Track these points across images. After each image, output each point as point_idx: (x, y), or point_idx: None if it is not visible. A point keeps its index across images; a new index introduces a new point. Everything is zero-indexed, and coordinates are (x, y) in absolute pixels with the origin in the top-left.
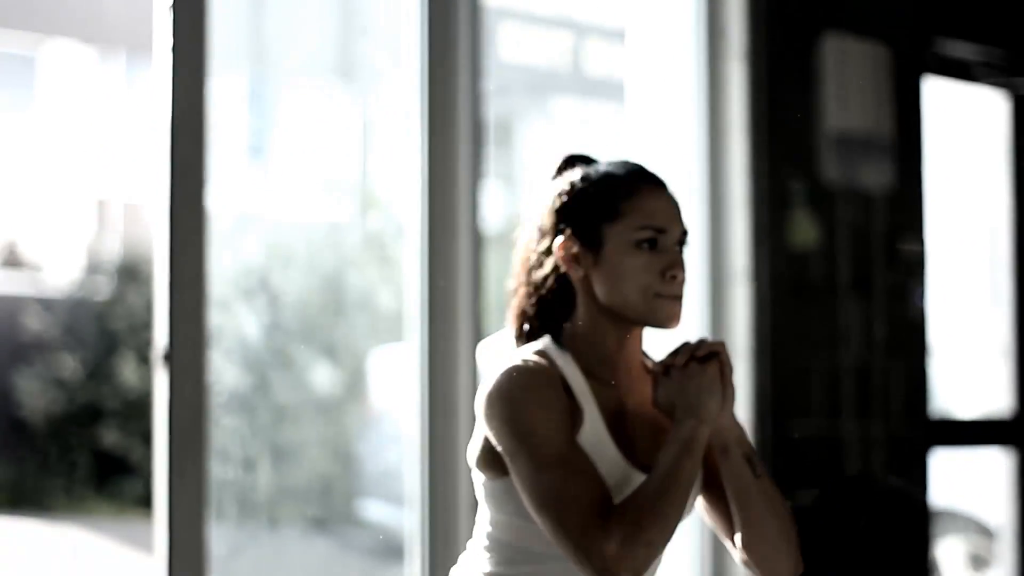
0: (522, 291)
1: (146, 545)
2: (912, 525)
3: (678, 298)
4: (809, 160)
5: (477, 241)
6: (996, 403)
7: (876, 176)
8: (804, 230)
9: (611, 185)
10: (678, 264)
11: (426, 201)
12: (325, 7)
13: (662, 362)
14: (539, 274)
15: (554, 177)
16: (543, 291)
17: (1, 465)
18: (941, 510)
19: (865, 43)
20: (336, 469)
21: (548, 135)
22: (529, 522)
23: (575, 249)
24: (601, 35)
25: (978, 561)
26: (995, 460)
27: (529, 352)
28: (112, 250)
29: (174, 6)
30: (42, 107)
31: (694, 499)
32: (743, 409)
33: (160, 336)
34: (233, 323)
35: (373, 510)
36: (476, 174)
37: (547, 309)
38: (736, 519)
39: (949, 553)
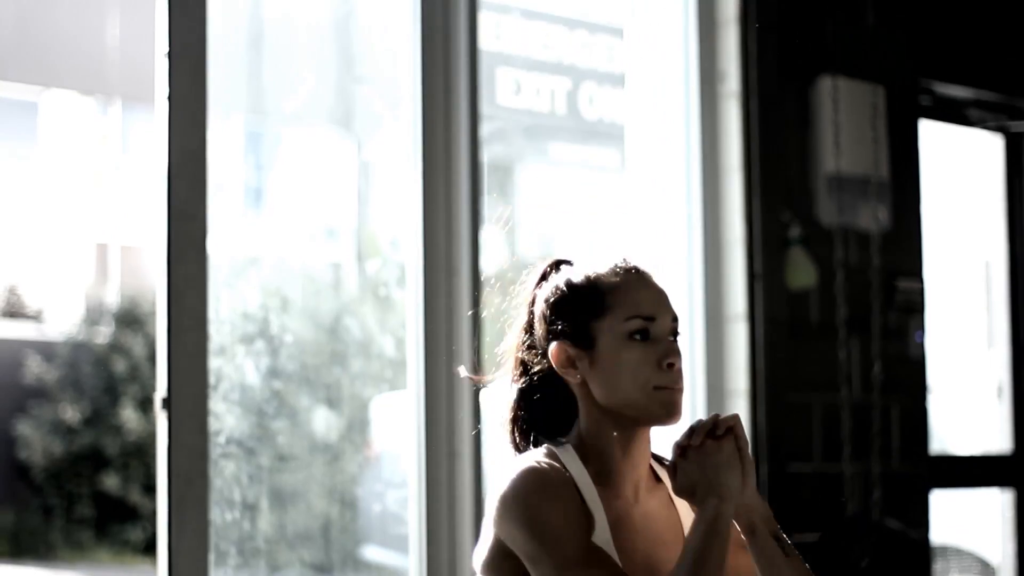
0: (516, 396)
1: None
2: (913, 563)
3: (678, 390)
4: (806, 201)
5: (477, 285)
6: (993, 442)
7: (873, 216)
8: (802, 271)
9: (595, 280)
10: (674, 352)
11: (424, 246)
12: (323, 53)
13: (677, 444)
14: (534, 378)
15: (539, 283)
16: (538, 396)
17: (3, 511)
18: (942, 548)
19: (860, 85)
20: (337, 513)
21: (547, 179)
22: None
23: (570, 352)
24: (598, 79)
25: None
26: (994, 499)
27: (540, 455)
28: (111, 294)
29: (171, 54)
30: (44, 153)
31: None
32: None
33: (160, 382)
34: (233, 368)
35: (374, 554)
36: (475, 218)
37: (543, 414)
38: None
39: None
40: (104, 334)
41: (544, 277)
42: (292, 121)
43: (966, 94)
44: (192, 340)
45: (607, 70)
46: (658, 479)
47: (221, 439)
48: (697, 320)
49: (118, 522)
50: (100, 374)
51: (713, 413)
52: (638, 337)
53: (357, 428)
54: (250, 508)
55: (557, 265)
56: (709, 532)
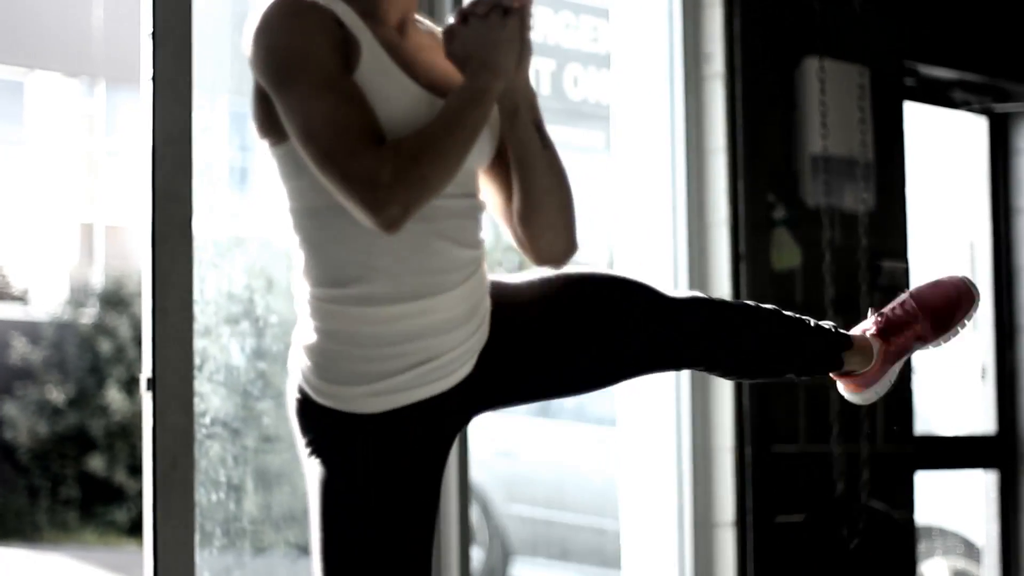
0: None
1: (133, 572)
2: (898, 544)
3: None
4: (791, 182)
5: None
6: (978, 424)
7: (858, 198)
8: (787, 252)
9: None
10: None
11: None
12: None
13: (460, 10)
14: None
15: None
16: None
17: None
18: (926, 529)
19: (846, 66)
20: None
21: None
22: (318, 179)
23: None
24: (583, 60)
25: None
26: (978, 479)
27: None
28: (96, 274)
29: (155, 34)
30: (29, 134)
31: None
32: (728, 431)
33: (146, 363)
34: (218, 349)
35: None
36: None
37: None
38: (515, 190)
39: (935, 572)
40: (89, 315)
41: None
42: None
43: (951, 76)
44: (177, 321)
45: (592, 51)
46: (420, 30)
47: (206, 420)
48: None
49: (103, 503)
50: (85, 355)
51: None
52: None
53: None
54: (235, 489)
55: None
56: (472, 100)
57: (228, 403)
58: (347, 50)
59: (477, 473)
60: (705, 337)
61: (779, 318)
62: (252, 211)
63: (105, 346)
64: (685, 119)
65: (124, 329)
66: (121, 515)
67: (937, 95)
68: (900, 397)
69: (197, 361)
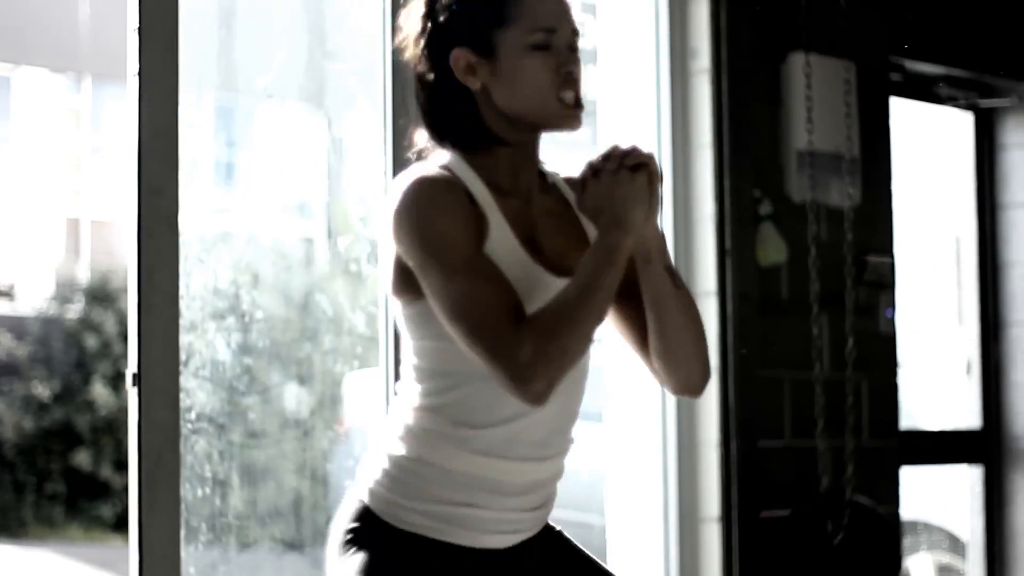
0: (426, 91)
1: (119, 568)
2: (883, 539)
3: (578, 101)
4: (777, 177)
5: None
6: (963, 418)
7: (844, 193)
8: (773, 247)
9: None
10: (573, 61)
11: None
12: (294, 29)
13: (592, 164)
14: (431, 90)
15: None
16: (437, 106)
17: None
18: (911, 523)
19: (832, 62)
20: (308, 490)
21: None
22: (451, 343)
23: (471, 59)
24: None
25: (948, 574)
26: (964, 474)
27: (431, 166)
28: (82, 270)
29: (141, 29)
30: (16, 130)
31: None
32: (714, 426)
33: (131, 358)
34: (204, 344)
35: None
36: None
37: (444, 122)
38: (651, 329)
39: (920, 566)
40: (75, 310)
41: None
42: (263, 97)
43: (937, 71)
44: (163, 316)
45: (579, 46)
46: (548, 186)
47: (192, 415)
48: None
49: (89, 498)
50: (71, 350)
51: (633, 145)
52: (539, 48)
53: (328, 404)
54: (221, 484)
55: None
56: (605, 260)
57: (214, 398)
58: (480, 225)
59: None
60: None
61: None
62: (238, 206)
63: (91, 341)
64: (671, 115)
65: (110, 324)
66: (107, 510)
67: (923, 90)
68: (886, 391)
69: (183, 356)
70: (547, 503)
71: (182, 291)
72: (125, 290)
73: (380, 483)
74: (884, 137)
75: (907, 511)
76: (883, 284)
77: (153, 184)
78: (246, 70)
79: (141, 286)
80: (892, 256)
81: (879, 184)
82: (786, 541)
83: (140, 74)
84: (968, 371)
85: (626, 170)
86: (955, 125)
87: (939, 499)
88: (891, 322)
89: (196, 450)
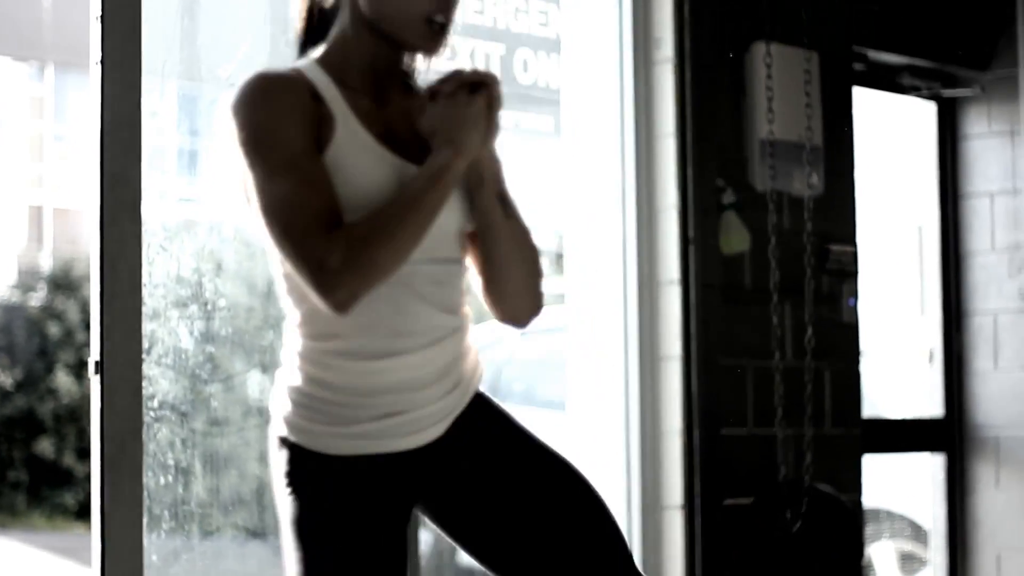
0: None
1: (81, 556)
2: (845, 526)
3: (444, 27)
4: (740, 166)
5: None
6: (925, 407)
7: (806, 182)
8: (735, 236)
9: None
10: None
11: None
12: (258, 18)
13: (430, 87)
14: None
15: None
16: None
17: None
18: (874, 511)
19: (794, 51)
20: (271, 478)
21: None
22: None
23: None
24: (533, 44)
25: (910, 562)
26: (926, 462)
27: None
28: (45, 257)
29: (103, 17)
30: None
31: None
32: (677, 415)
33: (94, 346)
34: (167, 332)
35: None
36: None
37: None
38: (481, 256)
39: (882, 554)
40: (38, 298)
41: None
42: (227, 86)
43: (899, 61)
44: (126, 304)
45: (542, 35)
46: (411, 98)
47: (155, 403)
48: (631, 285)
49: (52, 486)
50: (33, 338)
51: (474, 69)
52: None
53: None
54: (184, 472)
55: None
56: (431, 179)
57: (176, 386)
58: (321, 125)
59: None
60: None
61: None
62: (201, 195)
63: (53, 329)
64: (635, 104)
65: (73, 312)
66: (69, 498)
67: (886, 80)
68: (848, 380)
69: (146, 344)
70: (460, 383)
71: (145, 279)
72: (88, 278)
73: (297, 415)
74: (847, 126)
75: (869, 499)
76: (845, 273)
77: (116, 172)
78: (209, 59)
79: (104, 274)
80: (855, 245)
81: (842, 173)
82: (749, 529)
83: (103, 62)
84: (930, 360)
85: (464, 92)
86: (918, 115)
87: (901, 487)
88: (854, 311)
89: (159, 438)
